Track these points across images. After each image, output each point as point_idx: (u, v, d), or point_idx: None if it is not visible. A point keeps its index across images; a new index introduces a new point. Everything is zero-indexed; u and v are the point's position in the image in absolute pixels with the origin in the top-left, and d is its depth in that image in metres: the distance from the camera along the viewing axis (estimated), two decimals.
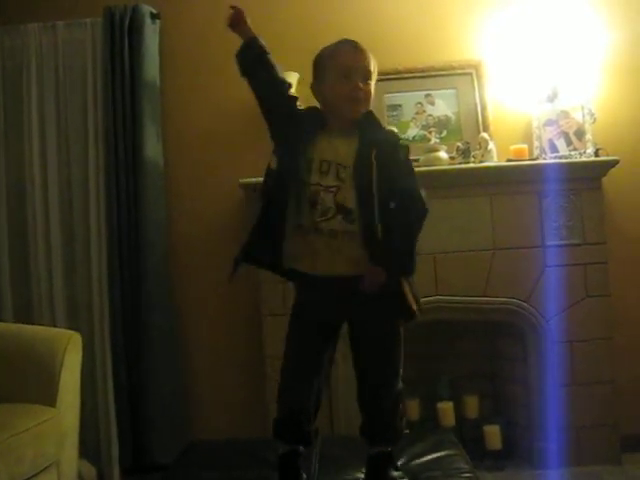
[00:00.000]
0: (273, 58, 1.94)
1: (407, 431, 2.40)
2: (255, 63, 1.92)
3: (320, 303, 1.91)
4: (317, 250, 1.85)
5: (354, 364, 1.99)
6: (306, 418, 1.94)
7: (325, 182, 1.84)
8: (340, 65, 1.89)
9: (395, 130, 2.07)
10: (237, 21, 1.94)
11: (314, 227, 1.84)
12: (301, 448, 1.95)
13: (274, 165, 1.88)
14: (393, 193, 1.82)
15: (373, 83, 1.93)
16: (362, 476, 2.01)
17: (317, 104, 1.98)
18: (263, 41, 1.94)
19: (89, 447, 3.08)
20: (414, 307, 1.87)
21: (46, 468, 2.33)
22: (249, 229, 1.92)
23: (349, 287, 1.84)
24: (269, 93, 1.93)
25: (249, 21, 1.94)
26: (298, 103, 1.97)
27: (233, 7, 1.95)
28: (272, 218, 1.86)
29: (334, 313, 1.92)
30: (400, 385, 1.97)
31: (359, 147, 1.85)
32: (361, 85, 1.88)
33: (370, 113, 1.94)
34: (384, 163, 1.82)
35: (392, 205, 1.81)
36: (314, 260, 1.87)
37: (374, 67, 1.93)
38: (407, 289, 1.86)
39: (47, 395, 2.45)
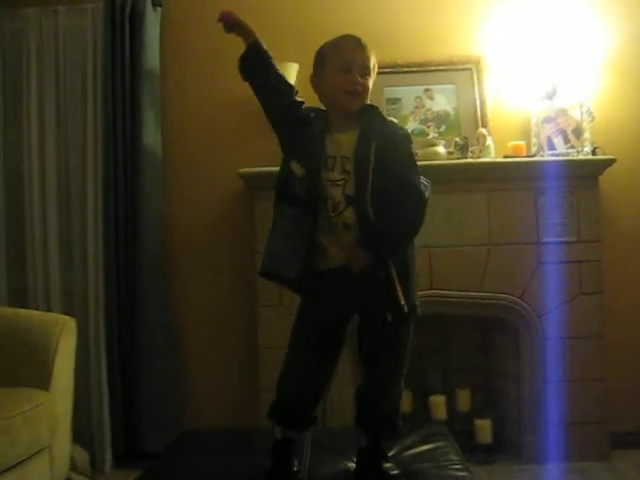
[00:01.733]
0: (277, 63, 1.93)
1: (400, 423, 2.40)
2: (260, 71, 1.92)
3: (332, 295, 1.90)
4: (330, 244, 1.87)
5: (362, 361, 2.00)
6: (303, 406, 1.96)
7: (332, 177, 1.85)
8: (340, 59, 1.90)
9: (396, 121, 2.06)
10: (230, 24, 1.92)
11: (328, 223, 1.85)
12: (295, 436, 1.97)
13: (298, 170, 1.87)
14: (389, 182, 1.82)
15: (372, 80, 1.94)
16: (353, 466, 2.02)
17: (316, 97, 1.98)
18: (264, 44, 1.92)
19: (82, 432, 3.08)
20: (402, 301, 1.84)
21: (39, 452, 2.34)
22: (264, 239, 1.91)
23: (355, 275, 1.85)
24: (275, 101, 1.93)
25: (244, 19, 1.91)
26: (303, 107, 1.96)
27: (221, 14, 1.91)
28: (305, 225, 1.85)
29: (345, 303, 1.92)
30: (402, 385, 1.98)
31: (358, 139, 1.86)
32: (359, 79, 1.89)
33: (373, 107, 1.94)
34: (383, 155, 1.83)
35: (386, 194, 1.81)
36: (326, 253, 1.88)
37: (374, 65, 1.93)
38: (395, 278, 1.84)
39: (41, 379, 2.46)
